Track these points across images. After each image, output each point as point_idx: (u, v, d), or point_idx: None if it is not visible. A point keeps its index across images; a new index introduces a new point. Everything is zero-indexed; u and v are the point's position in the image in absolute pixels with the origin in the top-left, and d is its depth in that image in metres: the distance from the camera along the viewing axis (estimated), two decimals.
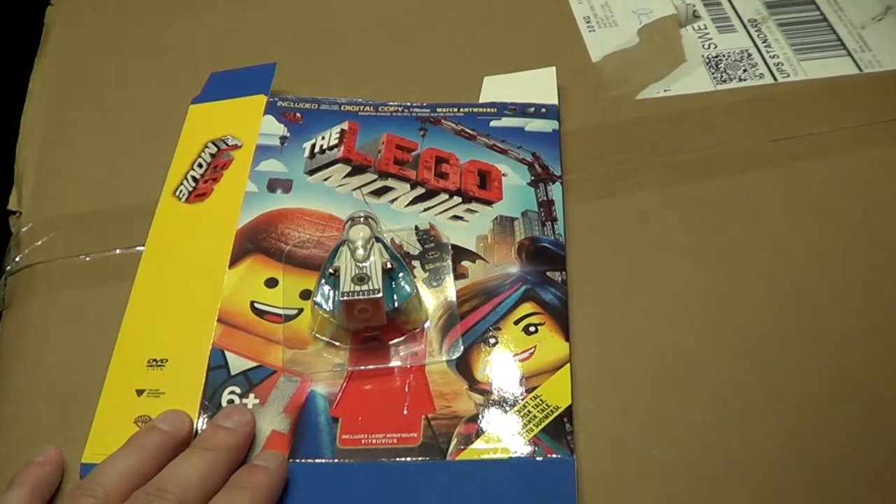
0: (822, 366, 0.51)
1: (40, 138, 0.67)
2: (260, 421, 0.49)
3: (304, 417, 0.50)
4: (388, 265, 0.51)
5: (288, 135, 0.63)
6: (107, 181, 0.64)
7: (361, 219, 0.54)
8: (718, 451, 0.48)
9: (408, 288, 0.52)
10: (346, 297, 0.50)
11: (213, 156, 0.62)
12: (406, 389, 0.50)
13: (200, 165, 0.61)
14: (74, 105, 0.70)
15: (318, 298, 0.52)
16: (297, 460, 0.48)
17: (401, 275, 0.52)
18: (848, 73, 0.65)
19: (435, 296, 0.54)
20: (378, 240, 0.52)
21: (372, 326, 0.52)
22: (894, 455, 0.47)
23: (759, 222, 0.57)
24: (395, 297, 0.51)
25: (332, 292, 0.51)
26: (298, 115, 0.64)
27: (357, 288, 0.50)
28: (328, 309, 0.51)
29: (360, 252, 0.51)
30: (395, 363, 0.51)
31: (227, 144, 0.62)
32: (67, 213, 0.62)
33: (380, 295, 0.50)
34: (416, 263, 0.55)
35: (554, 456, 0.47)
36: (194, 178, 0.61)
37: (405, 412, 0.49)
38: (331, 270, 0.51)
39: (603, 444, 0.49)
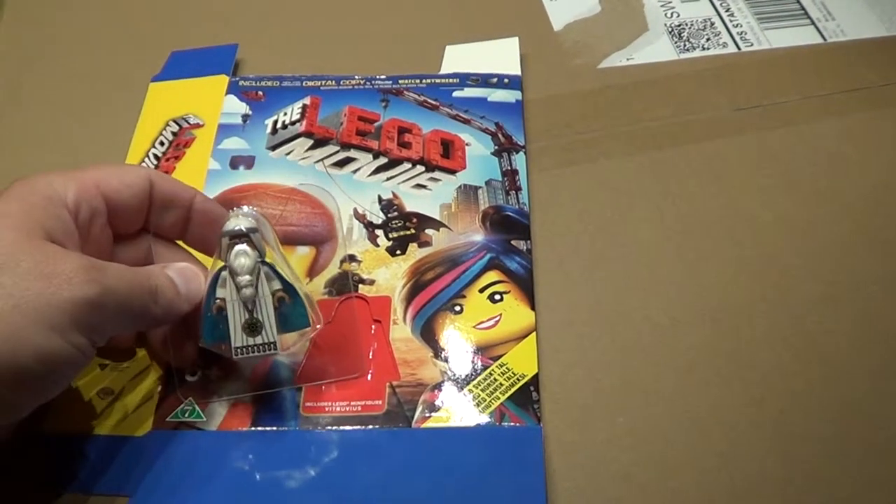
0: (788, 334, 0.50)
1: None
2: (223, 389, 0.49)
3: (266, 386, 0.49)
4: (280, 296, 0.46)
5: (250, 112, 0.62)
6: (65, 147, 0.63)
7: (244, 237, 0.45)
8: (685, 419, 0.48)
9: (303, 317, 0.47)
10: (240, 355, 0.45)
11: (174, 134, 0.61)
12: (370, 357, 0.50)
13: (162, 143, 0.61)
14: (31, 74, 0.69)
15: (209, 339, 0.46)
16: (260, 428, 0.48)
17: (293, 301, 0.46)
18: (812, 42, 0.65)
19: (398, 264, 0.54)
20: (264, 262, 0.46)
21: None
22: (859, 421, 0.47)
23: (724, 191, 0.57)
24: (289, 326, 0.47)
25: (220, 327, 0.46)
26: (261, 93, 0.63)
27: (251, 342, 0.45)
28: (219, 343, 0.46)
29: (248, 292, 0.45)
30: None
31: (188, 123, 0.62)
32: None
33: (277, 351, 0.46)
34: (379, 232, 0.55)
35: (521, 424, 0.47)
36: (156, 156, 0.60)
37: (369, 379, 0.49)
38: (216, 304, 0.46)
39: (570, 412, 0.48)
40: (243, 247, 0.45)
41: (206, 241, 0.49)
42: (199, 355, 0.49)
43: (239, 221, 0.46)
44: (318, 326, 0.48)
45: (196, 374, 0.49)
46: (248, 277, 0.45)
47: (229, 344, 0.45)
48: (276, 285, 0.46)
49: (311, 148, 0.60)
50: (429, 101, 0.62)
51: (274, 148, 0.60)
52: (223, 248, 0.46)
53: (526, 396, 0.48)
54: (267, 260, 0.46)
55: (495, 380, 0.48)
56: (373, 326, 0.51)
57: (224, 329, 0.45)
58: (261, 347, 0.45)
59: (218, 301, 0.45)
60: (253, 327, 0.45)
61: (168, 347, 0.48)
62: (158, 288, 0.44)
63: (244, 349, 0.45)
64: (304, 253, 0.54)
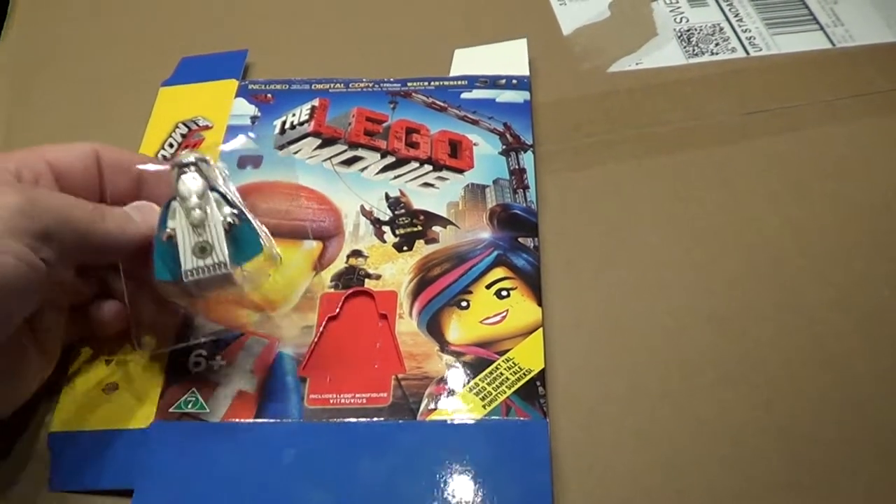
0: (796, 337, 0.50)
1: (6, 112, 0.66)
2: (227, 380, 0.49)
3: (271, 377, 0.49)
4: (230, 220, 0.45)
5: (259, 114, 0.62)
6: None
7: (192, 165, 0.45)
8: (692, 421, 0.47)
9: (254, 241, 0.46)
10: (190, 278, 0.44)
11: (183, 136, 0.61)
12: (376, 349, 0.50)
13: (171, 145, 0.61)
14: (41, 78, 0.69)
15: (162, 275, 0.45)
16: (264, 420, 0.47)
17: (244, 225, 0.46)
18: (820, 47, 0.65)
19: (405, 260, 0.54)
20: (213, 189, 0.46)
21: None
22: (867, 426, 0.47)
23: (733, 195, 0.57)
24: (241, 250, 0.46)
25: (172, 258, 0.45)
26: (269, 95, 0.63)
27: (200, 263, 0.44)
28: (172, 279, 0.45)
29: (196, 214, 0.44)
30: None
31: (197, 125, 0.62)
32: None
33: (227, 270, 0.44)
34: (386, 229, 0.55)
35: (527, 418, 0.46)
36: (165, 158, 0.60)
37: (376, 368, 0.49)
38: (167, 233, 0.45)
39: (576, 408, 0.48)
40: (192, 173, 0.45)
41: (160, 203, 0.48)
42: (202, 346, 0.49)
43: (189, 154, 0.46)
44: (275, 255, 0.48)
45: (200, 364, 0.49)
46: (195, 200, 0.44)
47: (180, 274, 0.44)
48: (227, 211, 0.45)
49: (319, 147, 0.60)
50: (437, 102, 0.62)
51: (282, 147, 0.60)
52: (173, 180, 0.45)
53: (532, 391, 0.48)
54: (219, 188, 0.46)
55: (501, 374, 0.48)
56: (379, 322, 0.51)
57: (175, 260, 0.44)
58: (211, 268, 0.44)
59: (168, 230, 0.45)
60: (203, 249, 0.44)
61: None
62: (105, 209, 0.44)
63: (195, 271, 0.44)
64: (311, 247, 0.54)
